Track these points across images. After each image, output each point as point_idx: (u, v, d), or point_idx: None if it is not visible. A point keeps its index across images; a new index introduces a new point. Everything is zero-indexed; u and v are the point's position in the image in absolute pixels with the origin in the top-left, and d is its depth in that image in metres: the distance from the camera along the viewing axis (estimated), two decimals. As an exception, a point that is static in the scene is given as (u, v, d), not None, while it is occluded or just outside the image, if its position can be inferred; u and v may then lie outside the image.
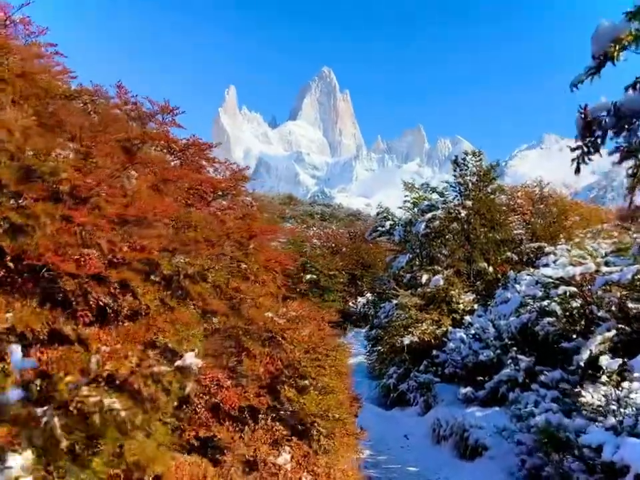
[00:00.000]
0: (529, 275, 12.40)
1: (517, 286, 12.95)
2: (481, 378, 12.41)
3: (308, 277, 27.92)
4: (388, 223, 19.21)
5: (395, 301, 15.66)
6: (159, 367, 5.05)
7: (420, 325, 14.81)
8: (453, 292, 15.11)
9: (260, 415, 7.06)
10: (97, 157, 5.91)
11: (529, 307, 12.42)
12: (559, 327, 10.62)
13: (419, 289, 15.74)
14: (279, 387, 7.11)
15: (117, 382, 4.89)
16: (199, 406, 6.40)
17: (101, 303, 5.50)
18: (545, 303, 11.26)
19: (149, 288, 5.69)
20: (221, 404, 6.36)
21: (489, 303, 14.94)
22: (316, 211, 67.54)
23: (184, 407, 6.17)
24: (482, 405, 12.07)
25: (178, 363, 5.16)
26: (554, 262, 12.52)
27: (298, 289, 28.04)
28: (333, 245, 31.87)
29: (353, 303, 28.74)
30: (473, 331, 13.19)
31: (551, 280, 10.94)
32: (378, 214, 19.67)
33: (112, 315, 5.61)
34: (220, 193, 8.04)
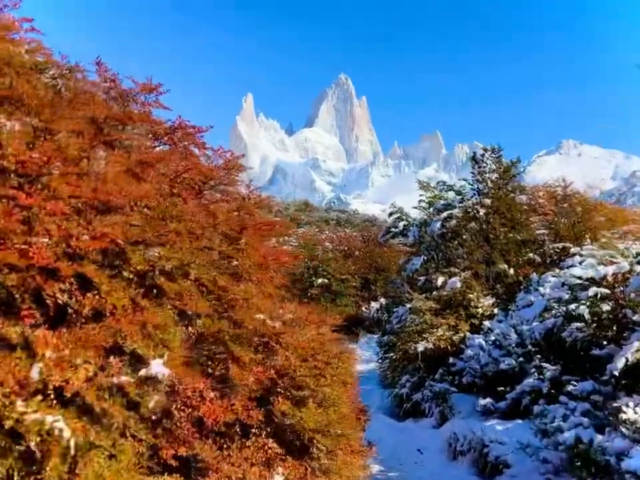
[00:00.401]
0: (554, 276, 11.41)
1: (541, 289, 11.99)
2: (502, 388, 11.44)
3: (319, 281, 27.13)
4: (402, 224, 18.33)
5: (408, 305, 14.75)
6: (118, 377, 4.24)
7: (435, 330, 13.88)
8: (470, 295, 14.17)
9: (252, 430, 6.22)
10: (61, 135, 5.15)
11: (553, 311, 11.44)
12: (588, 332, 9.63)
13: (434, 293, 14.82)
14: (272, 398, 6.26)
15: (67, 395, 4.09)
16: (180, 420, 5.58)
17: (59, 301, 4.72)
18: (572, 306, 10.27)
19: (115, 285, 4.89)
20: (205, 418, 5.54)
21: (509, 307, 13.97)
22: (331, 217, 66.72)
23: (163, 421, 5.36)
24: (503, 418, 11.10)
25: (142, 372, 4.35)
26: (580, 263, 11.57)
27: (309, 293, 27.34)
28: (346, 248, 31.04)
29: (365, 307, 27.79)
30: (492, 337, 12.24)
31: (579, 281, 9.97)
32: (391, 214, 18.77)
33: (74, 316, 4.83)
34: (212, 183, 7.24)
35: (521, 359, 11.33)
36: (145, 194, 5.46)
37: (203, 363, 5.99)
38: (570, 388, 9.96)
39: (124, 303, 4.87)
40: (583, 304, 10.18)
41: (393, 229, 18.72)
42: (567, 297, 10.65)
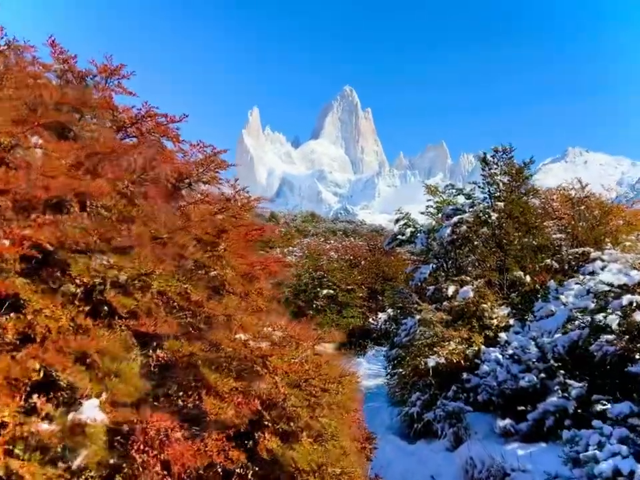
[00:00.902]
0: (577, 283, 10.32)
1: (562, 297, 10.88)
2: (522, 407, 10.31)
3: (325, 292, 26.05)
4: (409, 230, 17.25)
5: (417, 317, 13.63)
6: (37, 425, 3.21)
7: (447, 343, 12.76)
8: (484, 305, 13.05)
9: (237, 471, 5.18)
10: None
11: (577, 322, 10.36)
12: (620, 345, 8.52)
13: (444, 303, 13.72)
14: (257, 434, 5.22)
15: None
16: (143, 465, 4.54)
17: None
18: (600, 316, 9.18)
19: (51, 301, 3.89)
20: (172, 463, 4.51)
21: (526, 317, 12.88)
22: (338, 227, 65.89)
23: (123, 466, 4.33)
24: (524, 440, 9.95)
25: (70, 417, 3.32)
26: (602, 269, 10.49)
27: (314, 305, 26.28)
28: (351, 257, 29.95)
29: (373, 319, 26.69)
30: (510, 351, 11.12)
31: (607, 288, 8.90)
32: (397, 220, 17.69)
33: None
34: (188, 181, 6.23)
35: (543, 374, 10.21)
36: (96, 190, 4.47)
37: (171, 394, 4.97)
38: (599, 408, 8.87)
39: (62, 324, 3.86)
40: (610, 314, 9.09)
41: (399, 236, 17.64)
42: (592, 305, 9.58)
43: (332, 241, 37.61)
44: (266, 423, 5.28)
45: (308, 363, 5.93)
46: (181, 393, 4.83)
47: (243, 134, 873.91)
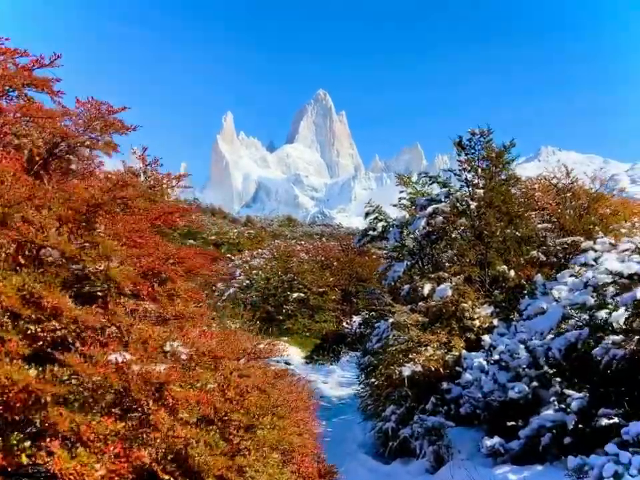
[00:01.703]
0: (572, 275, 8.91)
1: (554, 292, 9.48)
2: (512, 422, 8.84)
3: (295, 295, 24.68)
4: (380, 225, 15.73)
5: (390, 320, 12.15)
6: None
7: (423, 349, 11.27)
8: (464, 304, 11.61)
9: None
10: None
11: (572, 321, 8.92)
12: (629, 348, 7.07)
13: (420, 303, 12.27)
14: (145, 501, 3.60)
15: None
16: None
17: None
18: (602, 313, 7.75)
19: None
20: None
21: (512, 316, 11.49)
22: (315, 231, 64.84)
23: None
24: (516, 462, 8.45)
25: None
26: (595, 260, 9.10)
27: (284, 310, 24.79)
28: (323, 258, 28.55)
29: (347, 322, 25.25)
30: (496, 356, 9.63)
31: (611, 279, 7.47)
32: (367, 214, 16.20)
33: None
34: (64, 145, 4.59)
35: (535, 383, 8.75)
36: None
37: (9, 445, 3.32)
38: (605, 422, 7.43)
39: None
40: (614, 310, 7.67)
41: (370, 232, 16.10)
42: (592, 301, 8.15)
43: (303, 242, 36.17)
44: (162, 481, 3.66)
45: (230, 389, 4.33)
46: (15, 448, 3.19)
47: (217, 140, 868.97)
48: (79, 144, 4.61)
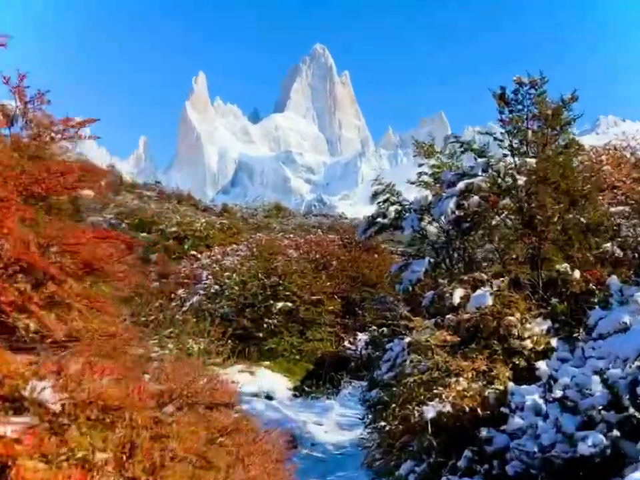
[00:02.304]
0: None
1: (638, 299, 8.71)
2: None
3: (280, 305, 23.87)
4: (393, 209, 14.79)
5: (407, 339, 11.37)
6: None
7: (454, 380, 10.49)
8: (510, 318, 10.82)
9: None
10: None
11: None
12: None
13: (448, 316, 11.55)
14: None
15: None
16: None
17: None
18: None
19: None
20: None
21: (577, 334, 10.68)
22: (312, 223, 64.26)
23: None
24: None
25: None
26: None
27: (265, 324, 24.14)
28: (318, 256, 27.95)
29: (350, 341, 24.41)
30: (558, 392, 8.76)
31: None
32: (375, 195, 15.31)
33: None
34: None
35: (617, 432, 7.83)
36: None
37: None
38: None
39: None
40: None
41: (379, 219, 15.20)
42: None
43: (291, 235, 35.61)
44: None
45: (135, 463, 3.34)
46: None
47: (186, 107, 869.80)
48: None
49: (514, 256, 12.57)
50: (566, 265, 11.77)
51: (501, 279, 11.72)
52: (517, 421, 9.11)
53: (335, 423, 18.98)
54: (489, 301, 11.11)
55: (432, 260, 13.74)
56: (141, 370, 5.38)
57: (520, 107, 13.36)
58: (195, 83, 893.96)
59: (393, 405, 11.24)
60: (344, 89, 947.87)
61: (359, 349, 23.52)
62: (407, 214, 14.62)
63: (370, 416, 14.00)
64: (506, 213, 12.77)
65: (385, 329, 16.10)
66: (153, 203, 48.95)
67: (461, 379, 10.50)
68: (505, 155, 13.37)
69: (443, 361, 10.63)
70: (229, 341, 21.79)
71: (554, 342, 10.85)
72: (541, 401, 9.06)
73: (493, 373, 10.56)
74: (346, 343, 24.84)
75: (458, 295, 11.64)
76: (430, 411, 10.18)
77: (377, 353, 17.90)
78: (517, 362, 10.70)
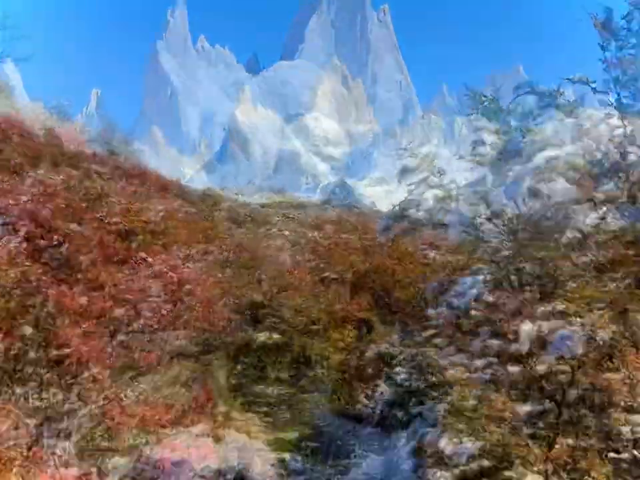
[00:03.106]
0: None
1: None
2: None
3: (262, 337, 23.24)
4: (430, 195, 13.95)
5: (443, 405, 10.48)
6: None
7: (517, 474, 9.53)
8: (615, 376, 10.04)
9: None
10: None
11: None
12: None
13: (511, 368, 10.70)
14: None
15: None
16: None
17: None
18: None
19: None
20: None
21: None
22: (330, 217, 64.66)
23: None
24: None
25: None
26: None
27: (240, 366, 23.57)
28: (322, 265, 27.71)
29: (367, 393, 23.96)
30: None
31: None
32: (403, 172, 14.48)
33: None
34: None
35: None
36: None
37: None
38: None
39: None
40: None
41: (411, 211, 14.34)
42: None
43: (286, 232, 35.41)
44: None
45: None
46: None
47: (157, 48, 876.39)
48: None
49: (620, 274, 11.45)
50: None
51: (600, 310, 10.69)
52: None
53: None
54: (579, 346, 10.12)
55: (490, 275, 12.92)
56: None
57: (635, 40, 12.50)
58: (170, 17, 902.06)
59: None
60: (380, 30, 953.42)
61: (378, 407, 23.04)
62: (454, 204, 13.67)
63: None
64: (608, 206, 11.77)
65: (411, 380, 15.29)
66: (104, 183, 48.86)
67: (529, 473, 9.56)
68: (609, 115, 12.34)
69: (499, 443, 9.68)
70: (184, 390, 21.12)
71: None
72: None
73: (580, 466, 9.55)
74: (360, 396, 24.34)
75: (527, 334, 10.81)
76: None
77: (401, 415, 17.27)
78: (620, 451, 9.71)
